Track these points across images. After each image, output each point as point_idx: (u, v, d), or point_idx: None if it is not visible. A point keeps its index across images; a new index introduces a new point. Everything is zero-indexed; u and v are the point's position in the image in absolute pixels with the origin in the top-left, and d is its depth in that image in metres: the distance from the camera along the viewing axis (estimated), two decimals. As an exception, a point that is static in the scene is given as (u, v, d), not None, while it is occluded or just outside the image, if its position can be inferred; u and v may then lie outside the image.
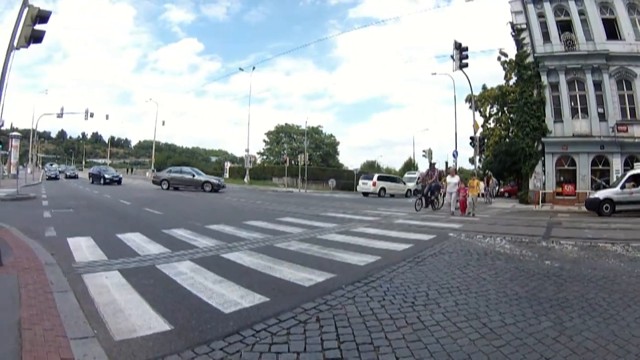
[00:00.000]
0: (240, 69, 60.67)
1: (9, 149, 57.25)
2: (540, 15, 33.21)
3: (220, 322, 4.56)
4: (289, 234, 11.06)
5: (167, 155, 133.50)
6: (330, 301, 5.25)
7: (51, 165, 76.22)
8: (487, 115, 53.61)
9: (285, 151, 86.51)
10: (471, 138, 33.39)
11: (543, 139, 31.87)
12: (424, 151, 47.35)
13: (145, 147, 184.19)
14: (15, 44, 7.82)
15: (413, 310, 4.97)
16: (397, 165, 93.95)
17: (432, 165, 26.13)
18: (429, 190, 21.66)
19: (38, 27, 8.05)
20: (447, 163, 46.91)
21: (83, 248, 8.61)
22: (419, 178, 34.62)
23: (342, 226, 13.13)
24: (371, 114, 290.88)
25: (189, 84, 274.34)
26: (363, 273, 6.76)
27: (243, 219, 14.18)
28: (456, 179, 20.43)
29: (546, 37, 32.91)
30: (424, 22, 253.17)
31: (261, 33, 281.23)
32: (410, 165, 76.32)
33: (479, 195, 22.41)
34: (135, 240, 9.60)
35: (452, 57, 30.16)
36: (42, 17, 8.10)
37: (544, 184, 31.61)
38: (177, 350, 3.86)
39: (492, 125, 53.09)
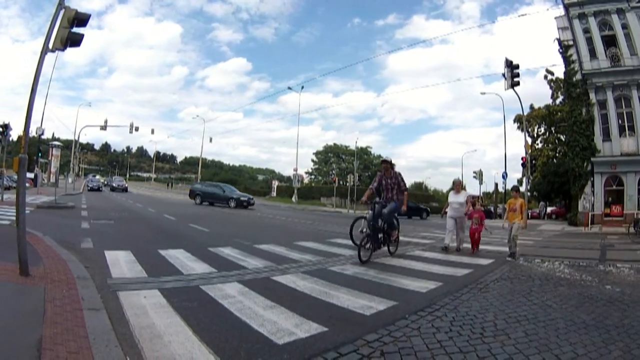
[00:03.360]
0: (289, 88, 62.23)
1: (49, 158, 59.41)
2: (586, 31, 34.00)
3: (273, 354, 4.31)
4: (342, 256, 11.09)
5: (214, 172, 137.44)
6: (394, 332, 5.06)
7: (94, 176, 79.04)
8: (535, 135, 54.91)
9: (333, 171, 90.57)
10: (523, 159, 33.85)
11: (592, 159, 32.49)
12: (474, 172, 46.87)
13: (191, 163, 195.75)
14: (50, 46, 7.88)
15: (483, 342, 4.83)
16: (445, 187, 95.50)
17: (388, 163, 12.07)
18: (378, 216, 10.98)
19: (76, 30, 8.04)
20: (496, 185, 45.95)
21: (121, 263, 8.58)
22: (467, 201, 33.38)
23: (396, 249, 12.67)
24: (419, 135, 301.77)
25: (238, 102, 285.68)
26: (426, 301, 6.72)
27: (293, 239, 14.13)
28: (461, 197, 13.77)
29: (592, 53, 33.56)
30: (469, 42, 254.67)
31: (309, 54, 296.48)
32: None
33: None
34: (178, 257, 9.56)
35: (503, 75, 30.55)
36: (81, 19, 8.21)
37: (592, 205, 31.73)
38: None
39: (540, 145, 54.33)
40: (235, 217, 24.69)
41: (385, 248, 11.64)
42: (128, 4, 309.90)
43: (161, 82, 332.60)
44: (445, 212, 14.16)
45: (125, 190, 53.74)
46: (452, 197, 14.07)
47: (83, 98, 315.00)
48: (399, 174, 11.90)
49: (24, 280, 6.38)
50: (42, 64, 7.75)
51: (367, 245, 10.44)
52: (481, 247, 13.69)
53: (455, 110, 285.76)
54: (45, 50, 7.74)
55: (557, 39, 35.71)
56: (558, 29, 35.36)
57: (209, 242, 12.36)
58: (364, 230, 11.31)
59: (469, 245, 13.39)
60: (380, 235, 11.11)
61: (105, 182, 71.56)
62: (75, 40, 8.21)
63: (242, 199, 38.81)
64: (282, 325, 5.18)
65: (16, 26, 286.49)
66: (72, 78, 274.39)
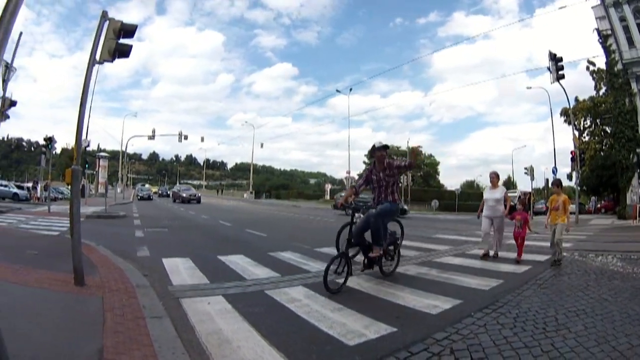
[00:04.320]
0: (338, 91, 62.44)
1: (97, 169, 60.84)
2: (622, 19, 33.40)
3: (345, 355, 4.43)
4: (404, 257, 10.73)
5: (266, 178, 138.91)
6: (461, 330, 5.20)
7: (142, 185, 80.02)
8: (582, 128, 54.32)
9: None
10: (572, 153, 33.36)
11: (638, 150, 31.69)
12: (525, 168, 45.85)
13: (241, 169, 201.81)
14: (97, 57, 8.02)
15: (546, 337, 4.97)
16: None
17: (382, 150, 8.57)
18: (363, 228, 8.25)
19: (123, 41, 8.15)
20: (547, 181, 45.07)
21: (181, 270, 8.72)
22: (519, 197, 32.64)
23: (456, 248, 13.35)
24: (468, 133, 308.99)
25: (286, 107, 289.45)
26: (489, 298, 6.88)
27: None
28: (498, 193, 11.68)
29: (630, 41, 33.03)
30: (510, 37, 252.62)
31: (354, 56, 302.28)
32: (509, 184, 75.25)
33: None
34: (239, 262, 9.64)
35: (548, 68, 30.16)
36: (127, 31, 8.37)
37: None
38: None
39: (587, 138, 53.66)
40: (292, 222, 24.91)
41: (380, 267, 8.51)
42: (167, 15, 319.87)
43: (207, 90, 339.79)
44: (482, 212, 11.83)
45: (198, 201, 49.81)
46: (487, 194, 11.98)
47: (128, 109, 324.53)
48: (393, 160, 8.53)
49: (80, 290, 6.50)
50: (90, 76, 7.90)
51: (340, 269, 7.30)
52: (535, 243, 13.45)
53: (502, 106, 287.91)
54: (92, 62, 7.90)
55: (596, 29, 35.14)
56: (596, 18, 34.79)
57: (268, 247, 12.43)
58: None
59: (509, 254, 11.46)
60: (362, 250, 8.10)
61: (161, 192, 71.34)
62: (123, 51, 8.36)
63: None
64: (352, 327, 5.26)
65: (51, 42, 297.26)
66: (115, 90, 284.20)
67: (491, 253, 11.36)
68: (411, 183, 57.29)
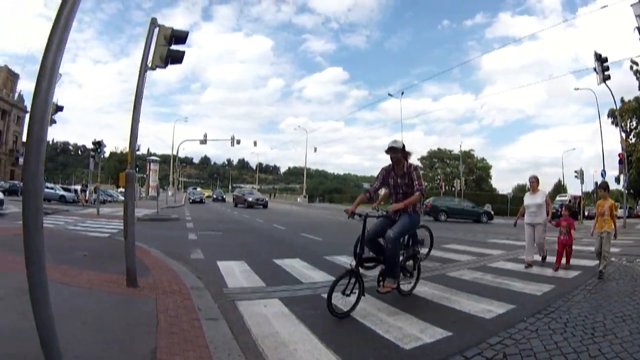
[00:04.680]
0: (390, 95, 62.69)
1: (147, 172, 61.91)
2: None
3: (401, 359, 4.53)
4: (458, 262, 11.29)
5: (319, 182, 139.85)
6: (514, 335, 5.25)
7: (194, 188, 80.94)
8: (628, 130, 53.19)
9: (439, 176, 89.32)
10: (619, 155, 32.63)
11: None
12: (575, 172, 44.70)
13: (294, 173, 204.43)
14: (149, 63, 8.20)
15: (593, 342, 5.00)
16: (547, 188, 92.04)
17: (399, 152, 6.94)
18: (375, 239, 6.96)
19: (175, 47, 8.29)
20: (596, 184, 43.92)
21: (236, 273, 8.80)
22: (569, 201, 31.72)
23: (508, 253, 13.26)
24: (518, 135, 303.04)
25: (338, 111, 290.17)
26: (542, 303, 6.93)
27: None
28: (539, 198, 10.89)
29: None
30: (556, 37, 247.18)
31: (403, 59, 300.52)
32: (560, 188, 75.40)
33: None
34: (295, 266, 9.72)
35: (594, 69, 29.54)
36: (179, 37, 8.53)
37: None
38: None
39: (634, 140, 52.69)
40: (346, 226, 24.77)
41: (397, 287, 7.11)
42: (213, 22, 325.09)
43: (258, 95, 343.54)
44: (522, 218, 11.15)
45: (265, 206, 47.63)
46: (527, 199, 11.12)
47: (178, 114, 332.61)
48: (415, 167, 7.00)
49: (132, 291, 6.61)
50: (142, 81, 8.11)
51: (349, 290, 6.00)
52: (585, 247, 13.08)
53: (551, 108, 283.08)
54: (144, 68, 8.07)
55: (637, 28, 34.27)
56: (636, 16, 33.87)
57: (324, 251, 12.58)
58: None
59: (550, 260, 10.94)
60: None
61: (216, 197, 70.53)
62: (176, 57, 8.51)
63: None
64: (408, 331, 5.33)
65: (94, 48, 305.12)
66: (165, 95, 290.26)
67: (536, 259, 10.91)
68: (464, 187, 56.61)
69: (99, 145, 29.89)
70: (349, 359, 4.38)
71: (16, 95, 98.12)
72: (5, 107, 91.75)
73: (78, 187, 48.07)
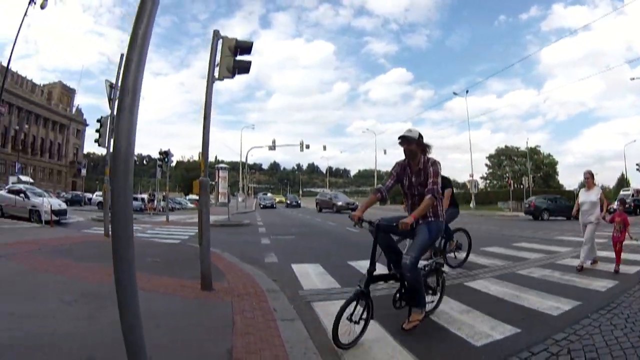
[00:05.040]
0: (455, 94, 61.46)
1: (216, 179, 63.01)
2: None
3: (472, 356, 4.66)
4: (527, 260, 11.30)
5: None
6: (578, 331, 5.31)
7: (265, 194, 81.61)
8: None
9: (507, 174, 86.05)
10: None
11: None
12: (637, 164, 42.86)
13: (364, 176, 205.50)
14: (216, 75, 8.48)
15: None
16: (611, 182, 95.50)
17: (413, 143, 5.74)
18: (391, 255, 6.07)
19: (241, 57, 8.48)
20: None
21: (311, 275, 8.99)
22: (632, 195, 30.32)
23: (575, 250, 12.45)
24: (581, 129, 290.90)
25: (404, 112, 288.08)
26: (606, 299, 6.93)
27: (479, 245, 13.88)
28: (593, 195, 9.98)
29: None
30: (608, 26, 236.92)
31: (465, 56, 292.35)
32: (622, 182, 73.82)
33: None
34: (367, 267, 9.51)
35: None
36: (244, 47, 8.73)
37: None
38: None
39: None
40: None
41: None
42: (272, 29, 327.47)
43: (323, 100, 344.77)
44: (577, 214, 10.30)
45: (354, 209, 46.63)
46: (582, 196, 10.23)
47: (244, 121, 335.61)
48: (434, 162, 5.72)
49: (208, 294, 6.81)
50: (210, 92, 8.32)
51: (357, 316, 4.87)
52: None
53: (609, 99, 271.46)
54: (212, 80, 8.31)
55: None
56: None
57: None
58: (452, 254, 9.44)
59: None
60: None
61: (290, 202, 68.32)
62: (243, 67, 8.75)
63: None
64: (479, 328, 5.46)
65: (153, 62, 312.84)
66: (229, 103, 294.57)
67: (587, 263, 9.79)
68: (532, 184, 55.34)
69: (166, 154, 30.64)
70: (423, 357, 4.45)
71: (74, 109, 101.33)
72: (64, 121, 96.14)
73: (145, 196, 49.30)
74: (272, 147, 61.88)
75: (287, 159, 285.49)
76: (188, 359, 4.09)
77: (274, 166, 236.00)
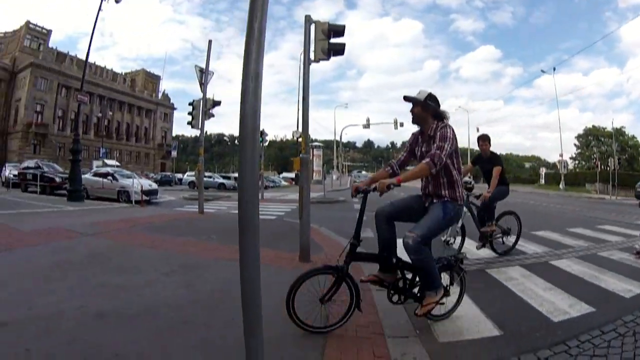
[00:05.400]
0: (542, 72, 59.04)
1: (311, 158, 63.69)
2: None
3: (549, 330, 4.83)
4: (609, 242, 11.20)
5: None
6: None
7: (359, 172, 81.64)
8: None
9: (595, 155, 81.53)
10: None
11: None
12: None
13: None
14: (312, 57, 8.84)
15: None
16: None
17: (422, 106, 4.92)
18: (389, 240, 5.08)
19: (334, 40, 8.78)
20: None
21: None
22: None
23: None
24: None
25: (495, 90, 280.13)
26: None
27: (565, 226, 14.31)
28: None
29: None
30: None
31: (550, 33, 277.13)
32: None
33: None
34: (465, 245, 9.81)
35: None
36: (336, 31, 8.98)
37: None
38: (502, 357, 4.14)
39: None
40: (508, 207, 24.69)
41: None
42: (358, 9, 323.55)
43: (415, 78, 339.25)
44: None
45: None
46: None
47: (337, 100, 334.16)
48: (445, 126, 4.82)
49: (305, 265, 7.20)
50: (307, 74, 8.80)
51: (328, 295, 4.55)
52: None
53: None
54: (308, 62, 8.73)
55: None
56: None
57: None
58: (449, 239, 8.07)
59: None
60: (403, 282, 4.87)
61: None
62: (337, 50, 9.05)
63: None
64: (558, 305, 5.67)
65: (239, 45, 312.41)
66: (322, 83, 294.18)
67: None
68: (617, 167, 52.92)
69: (260, 134, 31.25)
70: (504, 329, 4.74)
71: (160, 94, 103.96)
72: (150, 106, 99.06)
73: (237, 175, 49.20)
74: (367, 126, 61.87)
75: (381, 137, 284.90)
76: (290, 326, 4.39)
77: (368, 144, 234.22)
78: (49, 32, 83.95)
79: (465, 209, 8.02)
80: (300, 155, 8.41)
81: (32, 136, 74.84)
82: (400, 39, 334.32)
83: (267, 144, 36.31)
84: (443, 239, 8.03)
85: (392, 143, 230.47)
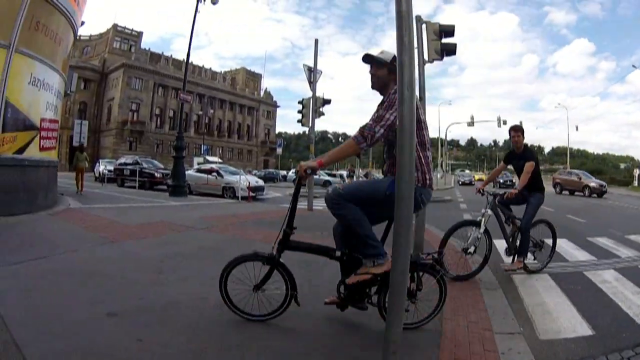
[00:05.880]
0: (634, 67, 55.93)
1: (416, 154, 63.47)
2: None
3: (634, 332, 4.96)
4: None
5: (581, 162, 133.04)
6: None
7: (462, 171, 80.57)
8: None
9: None
10: None
11: None
12: None
13: (557, 153, 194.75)
14: (426, 58, 9.10)
15: None
16: None
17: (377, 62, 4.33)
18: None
19: (445, 40, 9.11)
20: None
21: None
22: None
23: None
24: None
25: (591, 86, 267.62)
26: None
27: None
28: None
29: None
30: None
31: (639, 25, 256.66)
32: None
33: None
34: (562, 246, 10.19)
35: None
36: (447, 31, 9.20)
37: None
38: (593, 355, 4.36)
39: None
40: (606, 209, 24.53)
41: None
42: (455, 3, 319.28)
43: (515, 73, 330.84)
44: None
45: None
46: None
47: (440, 97, 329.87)
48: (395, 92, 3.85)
49: None
50: (423, 75, 9.11)
51: (267, 285, 4.46)
52: None
53: None
54: (422, 62, 9.06)
55: None
56: None
57: (586, 232, 12.98)
58: (469, 247, 7.04)
59: None
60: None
61: (503, 181, 62.15)
62: (450, 50, 9.38)
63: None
64: None
65: (340, 42, 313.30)
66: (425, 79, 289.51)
67: None
68: None
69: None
70: (598, 329, 4.99)
71: (262, 92, 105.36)
72: (252, 104, 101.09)
73: (344, 172, 49.25)
74: (471, 124, 60.79)
75: (484, 135, 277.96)
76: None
77: (471, 142, 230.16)
78: (140, 33, 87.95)
79: (489, 211, 7.28)
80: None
81: (127, 133, 78.15)
82: (498, 33, 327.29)
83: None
84: (462, 247, 7.06)
85: (495, 141, 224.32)
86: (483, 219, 7.07)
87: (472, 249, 6.95)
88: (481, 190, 7.61)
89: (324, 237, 9.61)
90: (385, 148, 4.38)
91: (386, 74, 4.28)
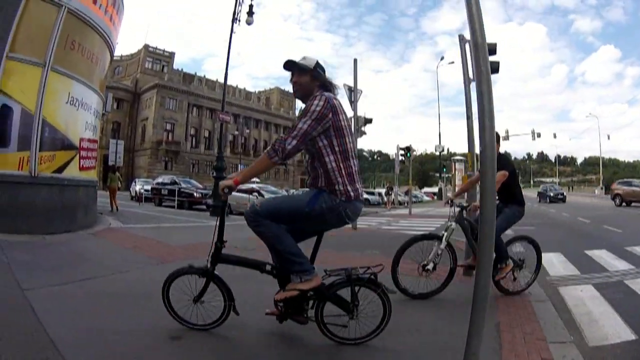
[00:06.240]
0: None
1: (453, 172, 63.52)
2: None
3: None
4: None
5: (613, 171, 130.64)
6: None
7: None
8: None
9: None
10: None
11: None
12: None
13: (590, 163, 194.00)
14: (471, 76, 9.43)
15: None
16: None
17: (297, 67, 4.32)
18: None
19: (491, 58, 9.49)
20: None
21: (555, 263, 9.98)
22: None
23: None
24: None
25: (619, 93, 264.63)
26: None
27: None
28: None
29: None
30: None
31: None
32: None
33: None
34: (602, 256, 10.58)
35: None
36: (490, 50, 9.53)
37: None
38: (637, 357, 4.77)
39: None
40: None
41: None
42: (483, 15, 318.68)
43: (545, 84, 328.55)
44: None
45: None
46: None
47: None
48: (319, 97, 4.06)
49: (468, 279, 7.63)
50: (469, 93, 9.50)
51: (205, 297, 4.54)
52: None
53: None
54: (467, 81, 9.52)
55: None
56: None
57: (624, 242, 13.05)
58: (427, 263, 6.52)
59: None
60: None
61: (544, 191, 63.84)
62: (493, 69, 9.63)
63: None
64: None
65: (371, 59, 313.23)
66: (455, 95, 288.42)
67: None
68: None
69: (408, 149, 32.00)
70: (639, 332, 5.28)
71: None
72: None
73: (382, 191, 48.95)
74: (506, 138, 60.53)
75: (517, 147, 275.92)
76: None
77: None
78: (172, 54, 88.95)
79: (454, 224, 6.74)
80: (468, 172, 9.14)
81: (162, 153, 78.98)
82: (527, 43, 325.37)
83: (412, 158, 36.77)
84: (421, 263, 6.52)
85: (529, 154, 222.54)
86: (446, 233, 6.54)
87: (430, 266, 6.45)
88: (449, 202, 7.11)
89: (364, 255, 10.09)
90: (309, 160, 4.26)
91: (309, 80, 4.23)
